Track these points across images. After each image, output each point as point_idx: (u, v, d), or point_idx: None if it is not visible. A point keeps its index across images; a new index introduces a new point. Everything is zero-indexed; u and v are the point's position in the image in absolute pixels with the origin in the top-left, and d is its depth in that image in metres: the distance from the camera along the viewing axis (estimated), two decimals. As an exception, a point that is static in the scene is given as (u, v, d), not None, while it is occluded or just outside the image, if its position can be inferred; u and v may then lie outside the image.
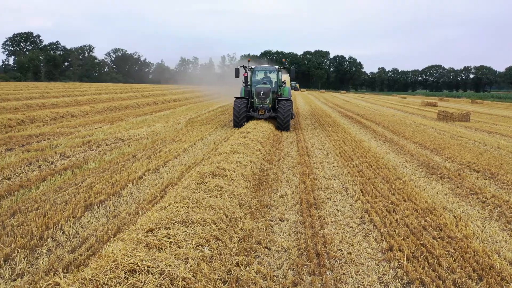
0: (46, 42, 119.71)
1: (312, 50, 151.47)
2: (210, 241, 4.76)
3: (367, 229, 6.38)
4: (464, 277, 4.82)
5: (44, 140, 13.22)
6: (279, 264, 5.05)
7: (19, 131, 15.01)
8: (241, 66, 18.73)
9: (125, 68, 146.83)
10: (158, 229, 4.80)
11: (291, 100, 17.74)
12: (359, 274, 4.90)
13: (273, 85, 19.02)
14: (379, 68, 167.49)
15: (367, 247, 5.66)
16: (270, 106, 17.86)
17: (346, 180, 9.33)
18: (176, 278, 3.79)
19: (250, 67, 19.19)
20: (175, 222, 5.05)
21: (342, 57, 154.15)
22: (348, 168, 10.61)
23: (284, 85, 19.43)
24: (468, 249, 5.60)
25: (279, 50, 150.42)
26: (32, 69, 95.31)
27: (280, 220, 6.65)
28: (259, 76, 19.57)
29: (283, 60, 21.40)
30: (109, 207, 6.86)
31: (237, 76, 18.24)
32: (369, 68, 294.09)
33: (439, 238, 6.01)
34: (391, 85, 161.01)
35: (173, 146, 12.82)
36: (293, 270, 4.91)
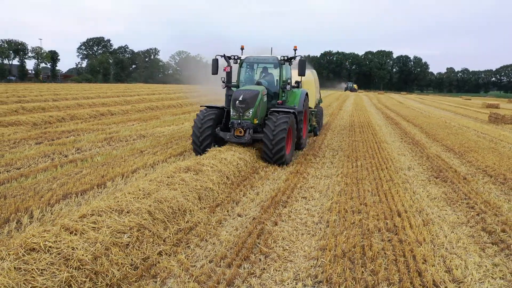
0: (116, 46, 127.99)
1: (374, 50, 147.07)
2: (133, 229, 5.02)
3: (318, 228, 6.30)
4: (382, 279, 4.65)
5: (73, 136, 14.32)
6: (205, 256, 5.20)
7: (57, 127, 16.37)
8: (221, 56, 11.61)
9: (188, 69, 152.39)
10: (90, 215, 5.15)
11: (291, 113, 10.78)
12: (278, 270, 4.91)
13: (273, 86, 11.90)
14: (447, 68, 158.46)
15: (305, 246, 5.62)
16: (256, 122, 10.56)
17: (336, 181, 9.17)
18: (71, 259, 4.10)
19: (236, 57, 11.94)
20: (113, 210, 5.38)
21: (406, 57, 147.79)
22: (346, 168, 10.38)
23: (289, 86, 11.63)
24: (409, 253, 5.36)
25: (339, 51, 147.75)
26: (102, 71, 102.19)
27: (238, 216, 6.77)
28: (258, 71, 12.57)
29: (294, 48, 11.56)
30: (86, 197, 7.38)
31: (214, 71, 11.36)
32: (437, 68, 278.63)
33: (387, 240, 5.80)
34: (460, 86, 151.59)
35: (186, 143, 13.30)
36: (214, 262, 5.03)
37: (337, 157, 12.05)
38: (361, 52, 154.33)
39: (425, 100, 62.96)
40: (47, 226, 4.73)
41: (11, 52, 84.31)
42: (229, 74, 11.83)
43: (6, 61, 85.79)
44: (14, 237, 4.41)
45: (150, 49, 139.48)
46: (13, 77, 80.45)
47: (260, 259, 5.17)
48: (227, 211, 6.89)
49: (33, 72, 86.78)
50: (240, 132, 10.44)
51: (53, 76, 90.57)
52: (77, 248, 4.28)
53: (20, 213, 6.32)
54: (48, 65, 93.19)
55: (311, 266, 4.98)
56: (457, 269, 4.99)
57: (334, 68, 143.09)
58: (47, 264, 3.94)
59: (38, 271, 3.83)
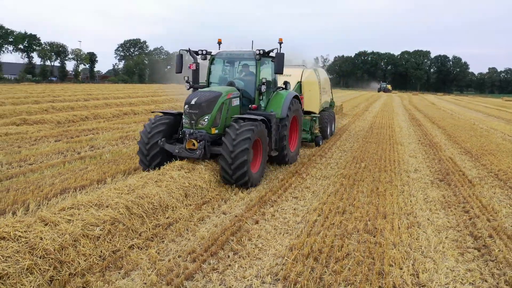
0: (151, 47, 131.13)
1: (411, 50, 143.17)
2: (106, 223, 5.26)
3: (297, 228, 6.33)
4: (342, 279, 4.65)
5: (91, 134, 14.93)
6: (176, 251, 5.36)
7: (79, 125, 17.10)
8: (186, 51, 9.78)
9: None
10: (69, 208, 5.43)
11: (259, 120, 8.48)
12: (243, 267, 5.00)
13: (251, 88, 9.73)
14: (489, 68, 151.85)
15: (278, 244, 5.67)
16: (215, 132, 8.46)
17: (333, 182, 9.12)
18: (37, 248, 4.37)
19: (204, 52, 9.98)
20: (92, 205, 5.64)
21: (445, 56, 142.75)
22: (348, 169, 10.28)
23: (264, 86, 9.39)
24: (379, 255, 5.31)
25: (374, 51, 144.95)
26: (138, 72, 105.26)
27: (223, 213, 6.89)
28: (237, 69, 10.51)
29: (279, 40, 9.52)
30: (84, 192, 7.73)
31: (178, 70, 9.66)
32: (478, 68, 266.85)
33: (362, 242, 5.75)
34: (503, 86, 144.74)
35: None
36: (182, 257, 5.18)
37: (344, 158, 11.94)
38: (397, 52, 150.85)
39: (461, 101, 60.74)
40: (23, 217, 5.04)
41: (53, 54, 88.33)
42: (195, 73, 9.99)
43: (48, 63, 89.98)
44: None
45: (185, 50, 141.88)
46: (54, 78, 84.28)
47: (228, 256, 5.28)
48: (213, 209, 7.03)
49: (72, 73, 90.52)
50: (193, 145, 8.21)
51: (91, 77, 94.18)
52: (45, 238, 4.54)
53: (17, 205, 6.71)
54: (87, 66, 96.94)
55: (276, 264, 5.04)
56: (424, 273, 4.90)
57: (369, 68, 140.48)
58: (12, 251, 4.22)
59: (3, 258, 4.11)
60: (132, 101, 29.47)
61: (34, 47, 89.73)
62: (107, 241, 5.10)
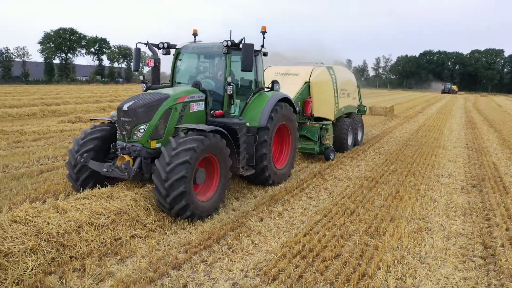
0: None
1: (482, 49, 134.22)
2: (112, 213, 5.70)
3: (299, 227, 6.39)
4: (323, 279, 4.68)
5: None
6: (174, 243, 5.65)
7: (128, 124, 18.17)
8: (144, 44, 8.16)
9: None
10: (82, 198, 5.96)
11: (208, 132, 6.56)
12: (232, 261, 5.18)
13: (221, 87, 7.93)
14: None
15: (274, 242, 5.79)
16: (155, 147, 6.71)
17: (354, 183, 9.01)
18: (42, 232, 4.88)
19: (165, 45, 8.40)
20: (104, 196, 6.13)
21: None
22: (374, 171, 10.07)
23: (231, 87, 7.65)
24: (370, 257, 5.26)
25: (441, 50, 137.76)
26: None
27: (233, 210, 7.12)
28: (208, 65, 8.81)
29: (262, 29, 8.18)
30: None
31: (135, 67, 8.60)
32: None
33: (359, 243, 5.70)
34: None
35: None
36: (176, 248, 5.48)
37: (375, 160, 11.68)
38: (466, 51, 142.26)
39: (535, 103, 55.99)
40: (39, 204, 5.61)
41: (120, 56, 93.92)
42: (155, 71, 8.35)
43: (116, 65, 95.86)
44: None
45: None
46: (120, 79, 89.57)
47: (221, 250, 5.50)
48: (224, 206, 7.28)
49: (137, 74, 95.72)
50: (126, 162, 6.36)
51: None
52: (51, 223, 5.05)
53: (48, 194, 7.37)
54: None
55: (264, 260, 5.17)
56: (411, 278, 4.79)
57: (435, 68, 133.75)
58: (20, 233, 4.76)
59: (11, 238, 4.65)
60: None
61: (104, 50, 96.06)
62: (111, 230, 5.53)
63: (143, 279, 4.55)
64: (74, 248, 5.00)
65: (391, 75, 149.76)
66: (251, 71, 7.48)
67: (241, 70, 7.32)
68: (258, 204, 7.35)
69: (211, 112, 7.71)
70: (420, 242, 5.88)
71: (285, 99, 8.92)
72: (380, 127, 19.92)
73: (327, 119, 11.79)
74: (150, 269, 4.81)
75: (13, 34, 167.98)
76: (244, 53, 7.16)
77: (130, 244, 5.49)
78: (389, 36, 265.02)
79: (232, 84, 7.60)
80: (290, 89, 10.71)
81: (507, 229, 6.45)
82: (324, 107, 11.78)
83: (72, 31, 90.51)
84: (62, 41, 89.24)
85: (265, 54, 8.71)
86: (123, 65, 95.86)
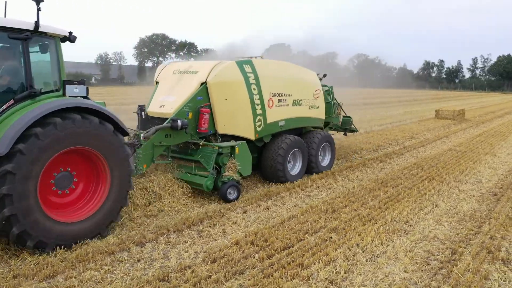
0: (295, 51, 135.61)
1: None
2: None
3: (272, 220, 6.76)
4: (259, 268, 5.07)
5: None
6: (153, 225, 6.40)
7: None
8: None
9: (367, 73, 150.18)
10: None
11: None
12: (191, 245, 5.78)
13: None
14: None
15: (241, 232, 6.25)
16: None
17: (359, 185, 9.03)
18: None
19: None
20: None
21: None
22: (392, 175, 9.91)
23: None
24: (319, 251, 5.50)
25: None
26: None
27: (224, 203, 7.70)
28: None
29: None
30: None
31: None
32: None
33: (319, 238, 5.93)
34: None
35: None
36: (151, 230, 6.21)
37: (403, 164, 11.40)
38: None
39: None
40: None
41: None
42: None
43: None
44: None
45: (328, 53, 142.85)
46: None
47: (190, 234, 6.10)
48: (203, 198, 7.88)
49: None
50: None
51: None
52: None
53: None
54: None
55: (219, 246, 5.67)
56: (346, 273, 4.96)
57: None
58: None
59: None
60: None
61: (192, 53, 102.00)
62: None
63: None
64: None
65: (490, 76, 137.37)
66: None
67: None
68: (249, 198, 7.82)
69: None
70: (384, 243, 5.92)
71: (85, 109, 5.51)
72: (438, 131, 18.92)
73: (240, 138, 8.22)
74: (120, 243, 5.58)
75: (112, 40, 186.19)
76: None
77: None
78: (488, 34, 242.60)
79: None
80: (181, 93, 7.72)
81: (491, 238, 6.17)
82: (235, 120, 8.12)
83: (164, 37, 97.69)
84: (155, 46, 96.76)
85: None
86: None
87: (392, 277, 4.94)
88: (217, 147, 7.59)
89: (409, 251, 5.67)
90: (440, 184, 9.21)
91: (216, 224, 6.49)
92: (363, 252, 5.59)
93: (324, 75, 11.01)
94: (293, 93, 9.31)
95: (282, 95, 9.01)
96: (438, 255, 5.60)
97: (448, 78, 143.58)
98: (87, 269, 4.87)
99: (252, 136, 8.41)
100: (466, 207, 7.67)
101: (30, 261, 5.01)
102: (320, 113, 10.37)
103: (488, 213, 7.37)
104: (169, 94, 7.91)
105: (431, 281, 4.88)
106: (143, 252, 5.43)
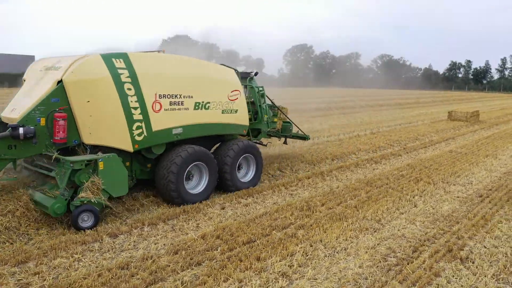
0: (317, 52, 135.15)
1: None
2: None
3: (242, 216, 7.01)
4: (218, 256, 5.34)
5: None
6: (146, 217, 6.77)
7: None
8: None
9: (391, 74, 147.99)
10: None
11: None
12: (161, 237, 6.10)
13: None
14: None
15: (210, 226, 6.54)
16: None
17: (345, 184, 9.16)
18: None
19: None
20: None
21: None
22: (379, 175, 9.99)
23: None
24: (278, 245, 5.71)
25: None
26: (302, 76, 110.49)
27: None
28: None
29: None
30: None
31: None
32: None
33: (283, 234, 6.15)
34: None
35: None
36: (132, 225, 6.56)
37: (397, 164, 11.43)
38: None
39: None
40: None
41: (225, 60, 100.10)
42: None
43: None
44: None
45: (352, 53, 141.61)
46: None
47: (163, 228, 6.43)
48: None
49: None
50: None
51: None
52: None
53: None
54: (254, 72, 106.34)
55: (186, 239, 5.97)
56: (301, 267, 5.17)
57: None
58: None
59: None
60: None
61: (214, 55, 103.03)
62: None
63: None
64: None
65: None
66: None
67: None
68: (230, 195, 8.10)
69: None
70: (348, 240, 6.08)
71: None
72: (446, 133, 18.71)
73: (121, 150, 6.78)
74: (88, 235, 5.96)
75: (136, 41, 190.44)
76: None
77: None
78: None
79: None
80: (35, 95, 6.42)
81: (458, 238, 6.25)
82: (103, 127, 6.62)
83: (186, 38, 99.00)
84: (178, 47, 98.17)
85: None
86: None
87: (344, 272, 5.11)
88: (72, 162, 6.04)
89: (371, 248, 5.81)
90: (427, 185, 9.24)
91: (191, 219, 6.79)
92: (324, 248, 5.77)
93: (256, 73, 9.83)
94: (196, 94, 7.62)
95: (176, 96, 7.31)
96: (399, 252, 5.73)
97: (476, 79, 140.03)
98: (58, 256, 5.24)
99: (128, 147, 6.78)
100: (445, 208, 7.72)
101: (8, 248, 5.44)
102: (239, 119, 8.49)
103: (465, 214, 7.41)
104: (25, 96, 6.70)
105: (382, 276, 5.02)
106: (114, 243, 5.77)
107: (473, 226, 6.70)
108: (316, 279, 4.94)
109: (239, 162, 8.51)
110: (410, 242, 6.10)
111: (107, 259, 5.28)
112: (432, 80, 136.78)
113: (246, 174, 8.87)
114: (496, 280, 5.03)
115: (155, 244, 5.81)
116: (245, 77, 9.69)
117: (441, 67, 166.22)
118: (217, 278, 4.78)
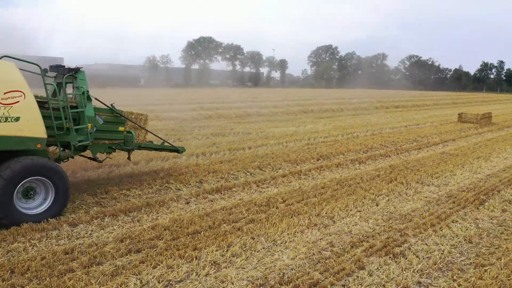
0: (343, 53, 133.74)
1: None
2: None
3: (205, 209, 7.38)
4: (173, 247, 5.73)
5: (197, 129, 18.00)
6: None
7: (190, 123, 20.39)
8: None
9: (419, 75, 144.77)
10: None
11: None
12: (136, 225, 6.56)
13: None
14: None
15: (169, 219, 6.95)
16: None
17: (319, 183, 9.38)
18: None
19: None
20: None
21: None
22: (355, 175, 10.14)
23: None
24: (224, 236, 6.05)
25: None
26: (326, 77, 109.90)
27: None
28: None
29: None
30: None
31: None
32: None
33: (233, 228, 6.48)
34: None
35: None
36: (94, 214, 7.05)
37: (381, 165, 11.52)
38: None
39: None
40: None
41: (249, 61, 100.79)
42: None
43: (247, 69, 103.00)
44: None
45: (378, 54, 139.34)
46: (249, 83, 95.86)
47: (124, 219, 6.88)
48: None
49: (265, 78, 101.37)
50: None
51: (282, 82, 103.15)
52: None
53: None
54: (278, 73, 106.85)
55: (141, 229, 6.40)
56: (237, 258, 5.49)
57: None
58: None
59: None
60: (276, 104, 32.23)
61: (238, 56, 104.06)
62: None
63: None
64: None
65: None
66: None
67: None
68: (206, 191, 8.51)
69: None
70: (293, 234, 6.35)
71: None
72: (450, 135, 18.46)
73: None
74: (49, 224, 6.47)
75: (160, 44, 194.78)
76: None
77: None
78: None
79: None
80: None
81: (401, 235, 6.41)
82: None
83: (210, 40, 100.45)
84: (202, 48, 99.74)
85: None
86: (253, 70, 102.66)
87: (274, 263, 5.39)
88: None
89: (312, 243, 6.06)
90: (399, 185, 9.35)
91: (152, 212, 7.22)
92: (265, 241, 6.07)
93: (76, 70, 7.49)
94: None
95: None
96: (336, 247, 5.97)
97: (509, 80, 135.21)
98: (16, 241, 5.78)
99: None
100: (407, 208, 7.83)
101: (-26, 233, 6.02)
102: (24, 129, 6.43)
103: (423, 213, 7.51)
104: None
105: (309, 268, 5.28)
106: (72, 232, 6.27)
107: (423, 225, 6.82)
108: (244, 268, 5.25)
109: (27, 187, 6.56)
110: (352, 238, 6.31)
111: (61, 245, 5.76)
112: (463, 81, 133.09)
113: (42, 203, 6.77)
114: (420, 275, 5.20)
115: (111, 233, 6.26)
116: (64, 74, 7.50)
117: (472, 68, 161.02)
118: (149, 264, 5.18)
